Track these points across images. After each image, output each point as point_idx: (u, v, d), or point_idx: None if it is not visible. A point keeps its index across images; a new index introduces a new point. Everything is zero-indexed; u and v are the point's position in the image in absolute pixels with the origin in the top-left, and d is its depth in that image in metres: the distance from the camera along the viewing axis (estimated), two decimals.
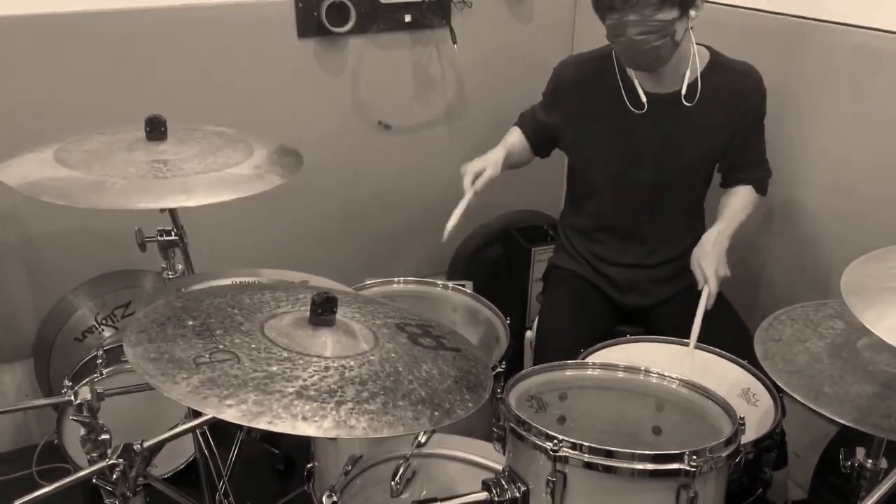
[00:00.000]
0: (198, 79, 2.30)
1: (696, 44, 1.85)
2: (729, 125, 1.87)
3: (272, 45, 2.36)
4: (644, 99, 1.85)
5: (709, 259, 1.83)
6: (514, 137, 2.08)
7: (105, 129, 1.69)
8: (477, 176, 1.89)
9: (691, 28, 1.78)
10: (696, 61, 1.83)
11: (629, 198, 1.96)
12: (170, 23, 2.23)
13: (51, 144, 1.59)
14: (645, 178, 1.92)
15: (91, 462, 1.21)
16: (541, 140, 2.08)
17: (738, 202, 1.95)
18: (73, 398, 1.22)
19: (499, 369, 1.70)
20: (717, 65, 1.86)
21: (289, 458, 2.32)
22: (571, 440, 1.17)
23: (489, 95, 2.70)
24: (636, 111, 1.86)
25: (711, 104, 1.85)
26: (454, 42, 2.52)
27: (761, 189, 1.98)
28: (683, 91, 1.83)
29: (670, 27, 1.69)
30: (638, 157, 1.91)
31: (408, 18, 2.49)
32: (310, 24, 2.37)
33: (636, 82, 1.86)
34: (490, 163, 1.91)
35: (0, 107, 2.10)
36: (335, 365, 1.08)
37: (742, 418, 1.27)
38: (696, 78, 1.84)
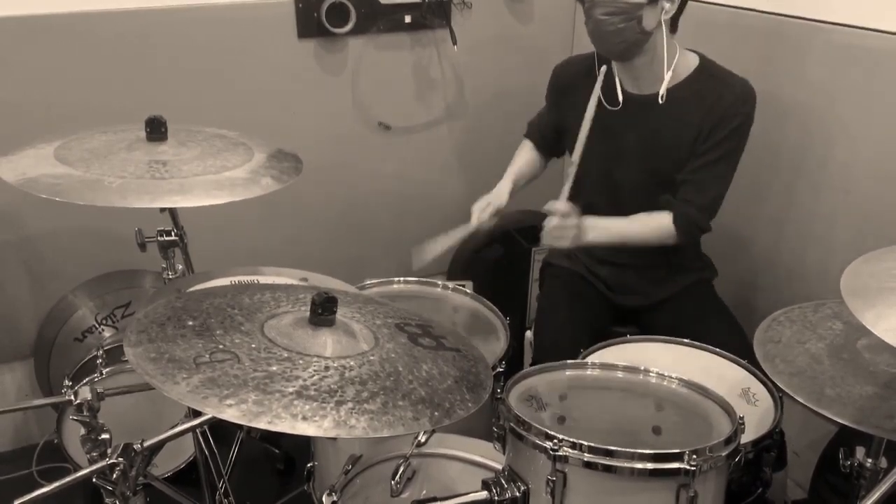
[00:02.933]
0: (198, 79, 2.30)
1: (688, 49, 1.86)
2: (699, 130, 1.82)
3: (272, 46, 2.37)
4: (621, 97, 1.86)
5: (551, 221, 1.82)
6: (522, 157, 2.14)
7: (108, 127, 1.69)
8: (482, 210, 1.97)
9: (665, 22, 1.76)
10: (677, 64, 1.82)
11: (617, 197, 1.97)
12: (170, 23, 2.23)
13: (52, 142, 1.60)
14: (627, 178, 1.93)
15: (91, 461, 1.21)
16: (551, 142, 2.12)
17: (641, 219, 1.89)
18: (73, 398, 1.22)
19: (499, 369, 1.70)
20: (704, 72, 1.85)
21: (289, 457, 2.32)
22: (571, 440, 1.17)
23: (489, 95, 2.71)
24: (612, 108, 1.87)
25: (686, 108, 1.83)
26: (454, 43, 2.52)
27: (679, 223, 1.85)
28: (662, 91, 1.83)
29: (636, 11, 1.72)
30: (619, 156, 1.92)
31: (408, 19, 2.49)
32: (310, 25, 2.37)
33: (617, 80, 1.88)
34: (493, 196, 2.00)
35: (1, 107, 2.10)
36: (335, 365, 1.08)
37: (742, 418, 1.27)
38: (677, 82, 1.83)
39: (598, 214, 2.02)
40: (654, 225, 1.89)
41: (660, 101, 1.82)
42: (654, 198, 1.92)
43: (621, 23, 1.73)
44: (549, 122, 2.09)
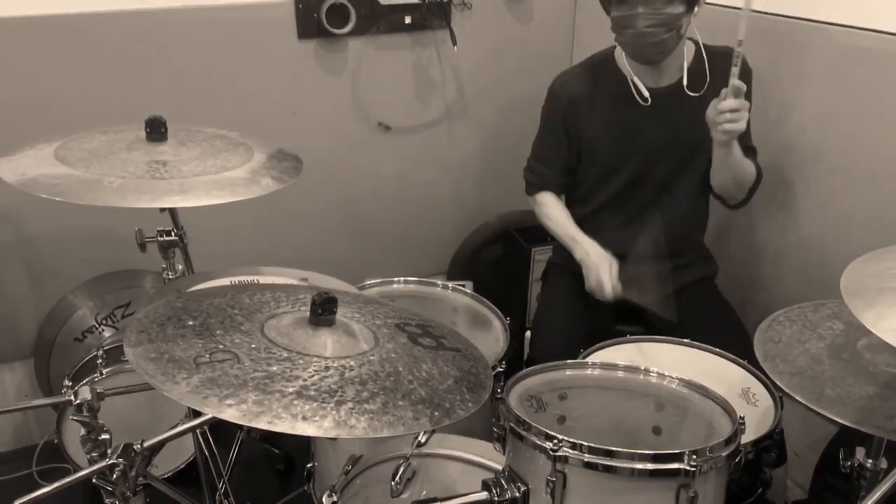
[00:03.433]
0: (198, 79, 2.30)
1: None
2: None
3: (272, 46, 2.37)
4: (647, 94, 1.88)
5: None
6: (559, 211, 2.04)
7: (108, 127, 1.69)
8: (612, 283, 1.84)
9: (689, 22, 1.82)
10: (691, 53, 1.87)
11: (639, 193, 1.97)
12: (170, 23, 2.23)
13: (52, 142, 1.60)
14: (651, 172, 1.94)
15: (91, 462, 1.21)
16: (568, 179, 2.06)
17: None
18: (73, 398, 1.22)
19: (499, 369, 1.70)
20: (704, 52, 1.89)
21: (289, 458, 2.32)
22: (571, 440, 1.17)
23: (489, 96, 2.70)
24: (642, 104, 1.88)
25: (709, 91, 1.86)
26: (454, 43, 2.52)
27: (759, 169, 1.92)
28: (685, 82, 1.86)
29: (678, 21, 1.74)
30: (648, 153, 1.93)
31: (408, 20, 2.49)
32: (310, 26, 2.37)
33: (635, 79, 1.88)
34: (605, 262, 1.87)
35: (1, 107, 2.10)
36: (335, 365, 1.08)
37: (742, 418, 1.27)
38: (694, 67, 1.87)
39: (609, 213, 2.02)
40: (749, 162, 1.88)
41: (687, 90, 1.85)
42: (677, 191, 1.94)
43: (664, 33, 1.75)
44: (561, 149, 2.01)
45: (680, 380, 1.41)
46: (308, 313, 1.17)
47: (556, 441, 1.17)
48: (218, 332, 1.12)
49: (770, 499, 1.65)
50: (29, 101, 2.12)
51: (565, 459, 1.17)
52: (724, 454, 1.20)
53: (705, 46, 1.90)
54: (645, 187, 1.97)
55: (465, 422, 1.09)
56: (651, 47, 1.78)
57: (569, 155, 2.01)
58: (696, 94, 1.86)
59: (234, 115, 2.26)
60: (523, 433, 1.22)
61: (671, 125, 1.90)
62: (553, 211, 2.04)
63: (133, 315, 2.18)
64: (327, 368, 1.06)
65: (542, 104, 2.06)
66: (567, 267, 2.10)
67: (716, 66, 1.87)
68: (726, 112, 1.70)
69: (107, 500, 1.23)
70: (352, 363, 1.09)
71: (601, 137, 1.96)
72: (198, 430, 1.79)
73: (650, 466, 1.16)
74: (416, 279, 2.04)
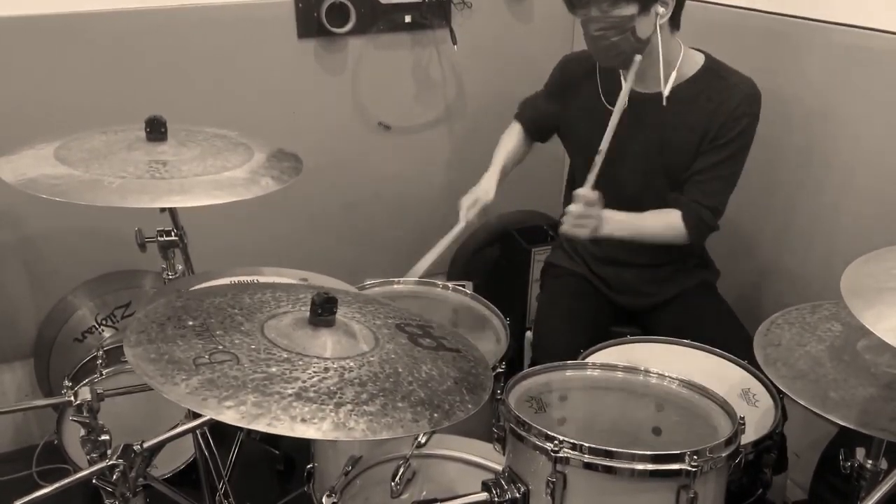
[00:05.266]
0: (198, 79, 2.30)
1: (693, 48, 1.85)
2: (706, 130, 1.82)
3: (272, 46, 2.36)
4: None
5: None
6: (508, 144, 2.11)
7: (108, 127, 1.69)
8: (469, 208, 1.98)
9: (661, 25, 1.74)
10: (682, 63, 1.82)
11: (620, 196, 1.96)
12: (170, 23, 2.23)
13: (52, 142, 1.60)
14: (631, 178, 1.92)
15: (91, 462, 1.22)
16: (540, 129, 2.11)
17: (654, 215, 1.88)
18: (73, 398, 1.22)
19: (499, 370, 1.70)
20: (710, 72, 1.85)
21: (289, 458, 2.32)
22: (571, 440, 1.17)
23: (489, 96, 2.70)
24: (610, 107, 1.84)
25: (692, 108, 1.82)
26: (454, 43, 2.52)
27: (689, 222, 1.84)
28: (665, 92, 1.82)
29: (628, 23, 1.70)
30: (623, 155, 1.90)
31: (408, 19, 2.49)
32: (310, 25, 2.37)
33: (622, 78, 1.86)
34: (481, 192, 2.00)
35: (1, 107, 2.10)
36: (335, 366, 1.08)
37: (742, 418, 1.27)
38: (682, 81, 1.83)
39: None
40: (665, 222, 1.87)
41: (663, 103, 1.82)
42: (658, 199, 1.92)
43: (615, 36, 1.72)
44: (545, 109, 2.07)
45: (680, 380, 1.41)
46: (308, 314, 1.16)
47: (556, 442, 1.17)
48: (218, 332, 1.12)
49: (770, 499, 1.65)
50: (29, 101, 2.12)
51: (565, 460, 1.17)
52: (724, 455, 1.20)
53: (716, 65, 1.85)
54: (623, 192, 1.93)
55: (465, 423, 1.08)
56: (604, 50, 1.75)
57: (545, 112, 2.07)
58: (667, 106, 1.81)
59: (234, 115, 2.26)
60: (523, 434, 1.22)
61: (646, 132, 1.87)
62: (504, 138, 2.13)
63: (133, 315, 2.18)
64: (327, 370, 1.06)
65: None
66: (564, 268, 2.10)
67: (710, 86, 1.82)
68: (570, 216, 1.79)
69: (107, 501, 1.22)
70: (351, 364, 1.09)
71: (580, 126, 1.97)
72: (198, 431, 1.79)
73: (650, 467, 1.16)
74: (416, 279, 2.04)
